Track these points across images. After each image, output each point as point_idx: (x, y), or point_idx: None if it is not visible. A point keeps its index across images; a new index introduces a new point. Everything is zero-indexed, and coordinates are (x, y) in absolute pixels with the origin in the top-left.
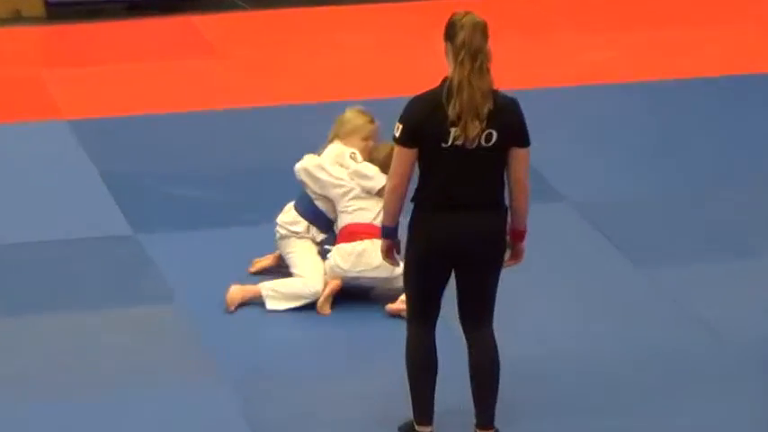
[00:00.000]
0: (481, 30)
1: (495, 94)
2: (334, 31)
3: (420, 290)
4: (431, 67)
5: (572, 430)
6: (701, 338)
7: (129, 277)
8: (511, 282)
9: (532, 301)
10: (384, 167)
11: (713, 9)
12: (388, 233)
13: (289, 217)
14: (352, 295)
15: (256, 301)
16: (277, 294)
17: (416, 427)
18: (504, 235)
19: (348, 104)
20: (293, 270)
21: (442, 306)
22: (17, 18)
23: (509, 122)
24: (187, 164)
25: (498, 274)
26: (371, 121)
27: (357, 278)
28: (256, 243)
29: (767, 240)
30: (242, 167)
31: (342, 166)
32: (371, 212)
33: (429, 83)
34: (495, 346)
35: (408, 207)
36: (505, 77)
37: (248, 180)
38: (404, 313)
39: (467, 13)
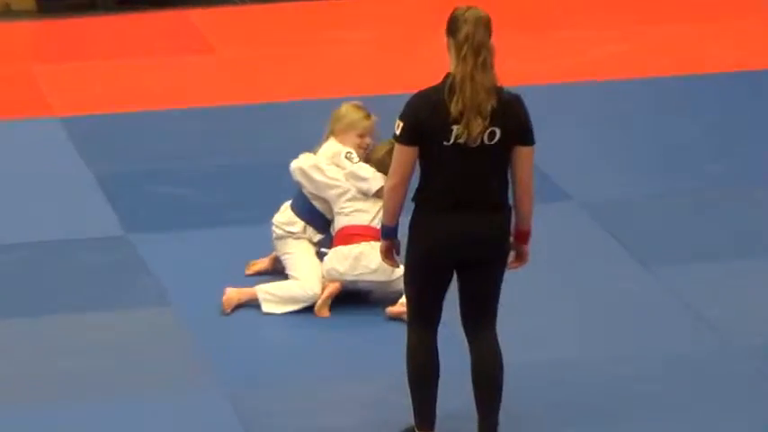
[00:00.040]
0: (484, 24)
1: (499, 91)
2: (333, 26)
3: (421, 292)
4: (432, 63)
5: None
6: (712, 342)
7: (121, 279)
8: (515, 284)
9: (537, 303)
10: (381, 166)
11: (726, 3)
12: (387, 233)
13: (284, 217)
14: (352, 298)
15: (253, 303)
16: (273, 298)
17: None
18: (508, 236)
19: (346, 101)
20: (290, 272)
21: (443, 309)
22: (7, 12)
23: (513, 120)
24: (182, 162)
25: (502, 276)
26: (367, 117)
27: (355, 282)
28: (252, 243)
29: None
30: (238, 165)
31: (338, 166)
32: (369, 214)
33: (430, 79)
34: (499, 351)
35: (409, 207)
36: (509, 73)
37: (244, 178)
38: (404, 316)
39: (469, 8)
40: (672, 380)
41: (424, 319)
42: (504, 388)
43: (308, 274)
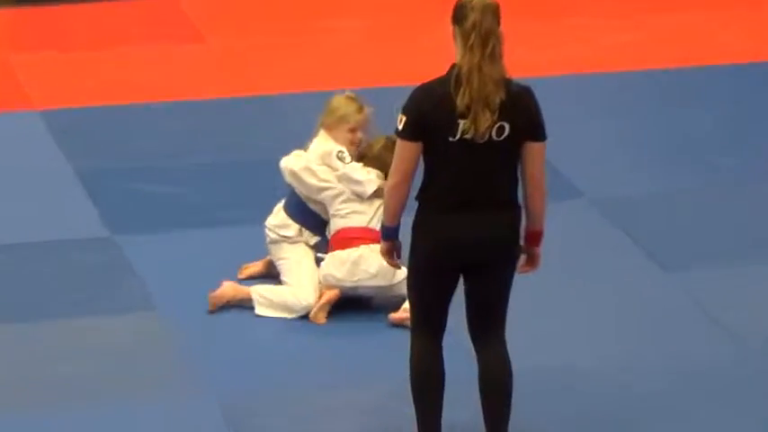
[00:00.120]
0: (493, 11)
1: (508, 83)
2: (330, 14)
3: (425, 297)
4: (433, 54)
5: None
6: (729, 349)
7: (106, 283)
8: (525, 287)
9: (547, 306)
10: (378, 163)
11: None
12: (388, 234)
13: (278, 219)
14: (352, 303)
15: (245, 306)
16: (266, 301)
17: None
18: (518, 237)
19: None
20: (284, 279)
21: (449, 314)
22: None
23: (523, 114)
24: (170, 159)
25: (511, 280)
26: (360, 110)
27: (354, 288)
28: (244, 245)
29: None
30: (229, 162)
31: (329, 167)
32: (366, 215)
33: (431, 71)
34: (508, 358)
35: (411, 206)
36: (519, 64)
37: (236, 176)
38: (408, 322)
39: None
40: (688, 389)
41: (428, 325)
42: (514, 397)
43: (302, 282)
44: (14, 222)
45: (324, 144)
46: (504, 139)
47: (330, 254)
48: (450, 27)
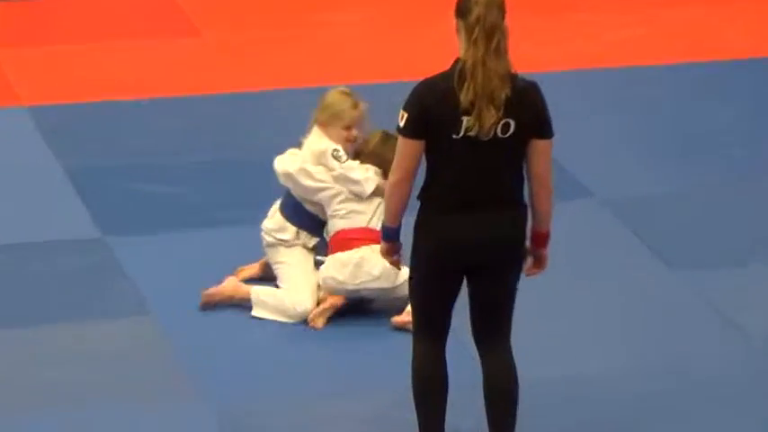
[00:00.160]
0: (497, 6)
1: (514, 78)
2: (327, 7)
3: (427, 300)
4: (436, 48)
5: None
6: (742, 353)
7: (97, 285)
8: (530, 288)
9: (554, 310)
10: (376, 159)
11: None
12: (388, 235)
13: (274, 222)
14: (353, 306)
15: (242, 309)
16: (264, 304)
17: None
18: (524, 238)
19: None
20: (280, 284)
21: (452, 318)
22: None
23: (529, 110)
24: (163, 157)
25: (516, 282)
26: (355, 106)
27: (357, 291)
28: (240, 246)
29: None
30: (224, 160)
31: (325, 166)
32: (366, 215)
33: (434, 65)
34: (513, 364)
35: (413, 206)
36: (523, 59)
37: (231, 174)
38: (410, 326)
39: None
40: (700, 396)
41: (430, 329)
42: (519, 404)
43: (299, 287)
44: (1, 223)
45: (318, 142)
46: (510, 136)
47: (330, 256)
48: (453, 21)
